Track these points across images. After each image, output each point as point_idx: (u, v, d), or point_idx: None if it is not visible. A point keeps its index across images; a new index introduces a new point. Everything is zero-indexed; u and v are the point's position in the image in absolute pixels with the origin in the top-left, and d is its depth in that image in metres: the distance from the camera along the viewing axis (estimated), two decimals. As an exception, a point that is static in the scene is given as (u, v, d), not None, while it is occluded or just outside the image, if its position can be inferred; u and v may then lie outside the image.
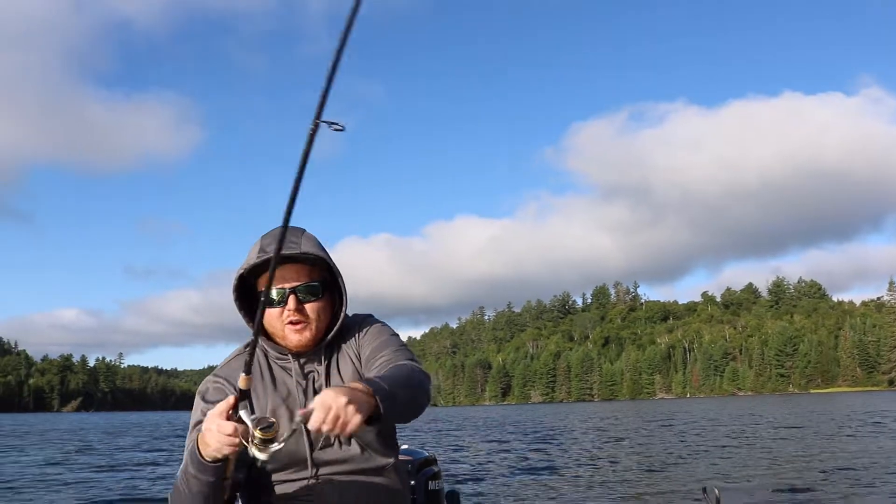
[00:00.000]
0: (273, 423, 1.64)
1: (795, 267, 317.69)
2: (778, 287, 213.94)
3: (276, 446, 1.63)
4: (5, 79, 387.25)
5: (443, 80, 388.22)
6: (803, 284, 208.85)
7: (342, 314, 2.06)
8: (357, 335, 2.11)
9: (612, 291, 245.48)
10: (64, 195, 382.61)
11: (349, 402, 1.62)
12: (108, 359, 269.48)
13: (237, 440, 1.63)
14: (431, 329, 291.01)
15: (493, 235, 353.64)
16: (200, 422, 1.83)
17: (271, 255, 1.80)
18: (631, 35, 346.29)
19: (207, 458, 1.72)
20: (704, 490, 2.70)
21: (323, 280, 2.04)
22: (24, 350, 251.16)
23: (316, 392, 1.96)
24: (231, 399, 1.68)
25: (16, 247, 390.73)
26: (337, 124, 1.65)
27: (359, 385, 1.72)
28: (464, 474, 13.40)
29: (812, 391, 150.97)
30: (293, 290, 1.96)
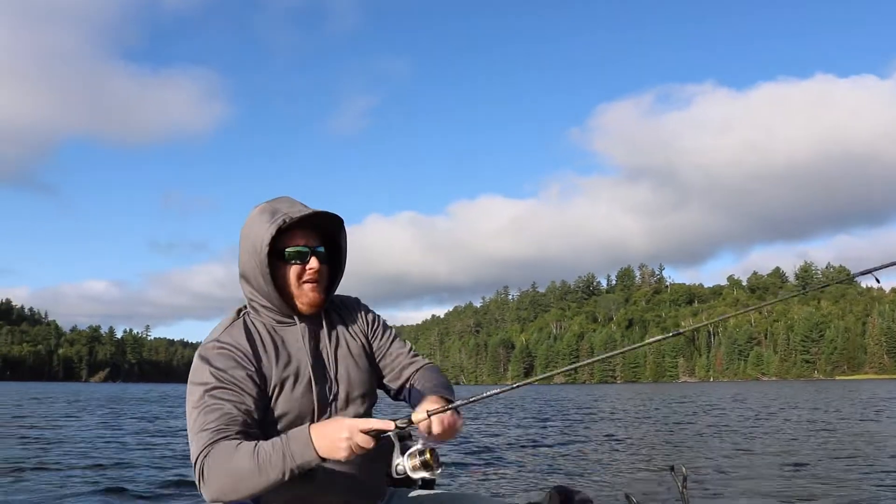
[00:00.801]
0: (435, 465, 1.79)
1: (823, 252, 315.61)
2: (805, 272, 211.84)
3: (430, 474, 1.78)
4: (37, 55, 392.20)
5: (468, 59, 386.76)
6: (831, 270, 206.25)
7: (339, 280, 2.19)
8: (361, 315, 2.25)
9: (637, 273, 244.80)
10: (91, 168, 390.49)
11: (449, 413, 1.88)
12: (135, 331, 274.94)
13: (368, 449, 1.78)
14: (455, 307, 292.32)
15: (517, 215, 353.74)
16: (216, 387, 1.89)
17: (301, 214, 2.02)
18: (659, 15, 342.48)
19: (324, 456, 1.79)
20: (672, 469, 2.72)
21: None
22: (54, 320, 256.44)
23: (327, 355, 2.10)
24: (388, 426, 1.79)
25: (45, 219, 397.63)
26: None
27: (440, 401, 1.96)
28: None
29: (837, 378, 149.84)
30: (314, 250, 2.08)
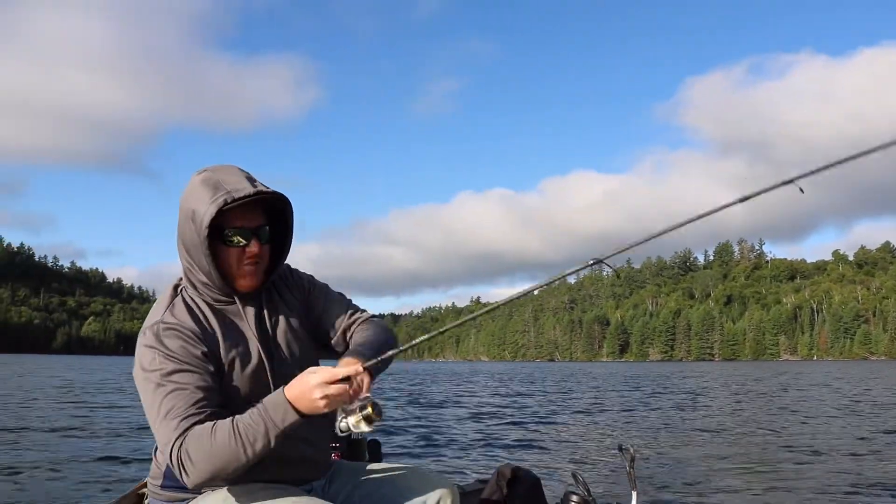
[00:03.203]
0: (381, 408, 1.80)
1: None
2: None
3: (372, 427, 1.78)
4: (140, 50, 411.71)
5: (555, 36, 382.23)
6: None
7: (284, 259, 2.12)
8: (295, 284, 2.18)
9: (736, 249, 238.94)
10: (192, 154, 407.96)
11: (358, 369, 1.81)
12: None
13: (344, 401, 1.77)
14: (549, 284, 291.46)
15: (609, 190, 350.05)
16: (175, 371, 1.81)
17: (243, 194, 1.89)
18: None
19: (307, 413, 1.75)
20: (620, 448, 2.74)
21: None
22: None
23: (272, 332, 2.04)
24: (358, 368, 1.79)
25: (150, 203, 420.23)
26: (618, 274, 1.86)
27: (350, 359, 1.87)
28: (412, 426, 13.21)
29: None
30: (256, 231, 1.96)
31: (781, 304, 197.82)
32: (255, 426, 1.74)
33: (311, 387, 1.73)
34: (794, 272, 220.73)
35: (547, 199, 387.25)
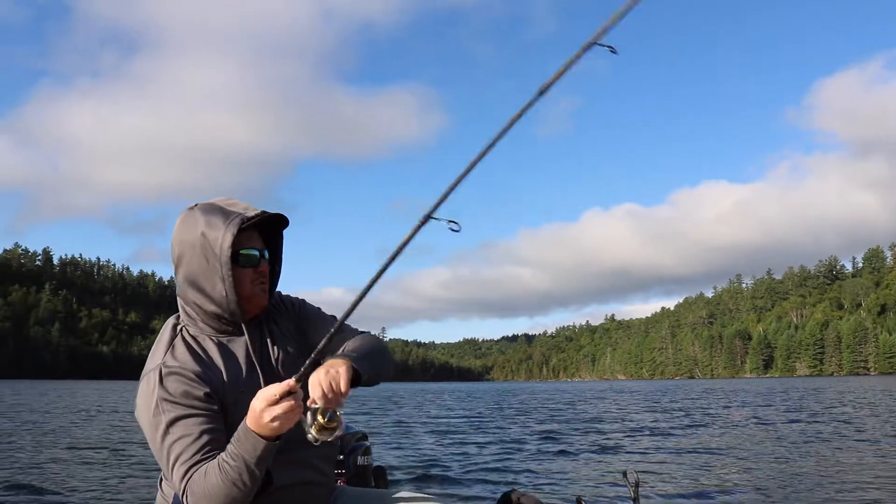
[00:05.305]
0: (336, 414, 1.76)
1: None
2: None
3: (337, 434, 1.75)
4: (271, 88, 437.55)
5: (672, 47, 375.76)
6: None
7: (277, 282, 2.14)
8: (288, 309, 2.17)
9: (888, 254, 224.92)
10: (324, 185, 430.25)
11: (330, 368, 1.79)
12: (372, 332, 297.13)
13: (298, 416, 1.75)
14: (686, 298, 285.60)
15: (742, 200, 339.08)
16: (180, 417, 1.83)
17: (255, 213, 1.97)
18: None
19: (272, 436, 1.75)
20: (625, 474, 2.69)
21: None
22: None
23: (274, 362, 2.04)
24: (291, 383, 1.74)
25: (287, 234, 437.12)
26: (455, 223, 1.77)
27: (336, 360, 1.86)
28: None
29: None
30: (262, 253, 2.02)
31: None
32: (236, 461, 1.76)
33: (258, 412, 1.73)
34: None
35: (678, 211, 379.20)
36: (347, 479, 2.98)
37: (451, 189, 1.85)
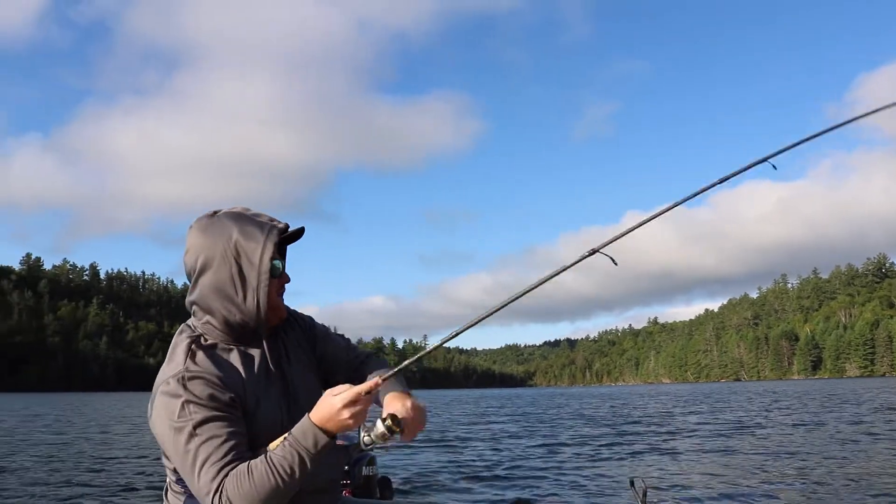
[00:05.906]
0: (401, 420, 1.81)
1: None
2: None
3: (393, 438, 1.79)
4: (309, 100, 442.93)
5: (711, 44, 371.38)
6: None
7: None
8: (299, 323, 2.19)
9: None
10: (364, 195, 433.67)
11: (419, 403, 1.94)
12: (413, 340, 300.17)
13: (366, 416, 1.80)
14: (730, 300, 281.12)
15: (783, 198, 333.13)
16: (207, 419, 1.81)
17: (285, 225, 1.98)
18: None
19: (336, 433, 1.79)
20: (632, 483, 2.69)
21: None
22: (342, 334, 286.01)
23: (291, 372, 2.06)
24: (377, 381, 1.81)
25: (328, 244, 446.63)
26: (614, 260, 1.86)
27: (402, 392, 2.00)
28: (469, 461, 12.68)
29: None
30: (283, 264, 2.03)
31: None
32: (290, 457, 1.77)
33: (338, 408, 1.76)
34: None
35: (718, 212, 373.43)
36: (353, 490, 3.00)
37: (624, 234, 2.00)
